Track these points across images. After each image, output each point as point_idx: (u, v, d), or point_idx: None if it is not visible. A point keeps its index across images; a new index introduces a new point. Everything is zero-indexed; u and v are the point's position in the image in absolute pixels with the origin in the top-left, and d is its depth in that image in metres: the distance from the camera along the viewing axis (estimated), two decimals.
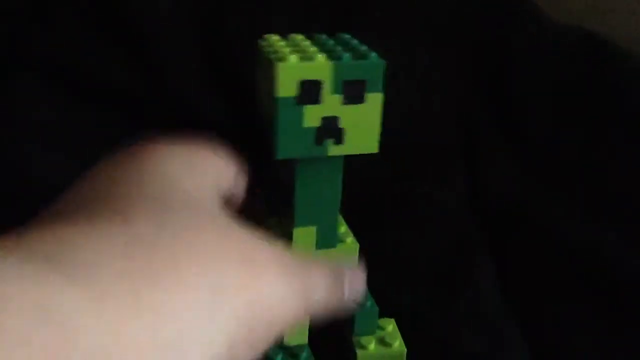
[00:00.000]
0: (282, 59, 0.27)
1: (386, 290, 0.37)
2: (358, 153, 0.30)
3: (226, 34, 0.63)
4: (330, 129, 0.29)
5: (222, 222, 0.22)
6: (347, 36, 0.32)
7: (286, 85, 0.27)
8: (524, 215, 0.51)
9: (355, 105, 0.29)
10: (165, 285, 0.18)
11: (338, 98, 0.29)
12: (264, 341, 0.21)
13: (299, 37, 0.31)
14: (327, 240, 0.33)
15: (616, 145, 0.58)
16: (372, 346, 0.34)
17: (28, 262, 0.16)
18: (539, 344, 0.39)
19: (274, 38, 0.31)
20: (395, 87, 0.64)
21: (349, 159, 0.33)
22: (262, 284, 0.21)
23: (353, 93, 0.29)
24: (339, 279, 0.26)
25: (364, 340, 0.34)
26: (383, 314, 0.35)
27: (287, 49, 0.29)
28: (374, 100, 0.30)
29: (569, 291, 0.44)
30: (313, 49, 0.28)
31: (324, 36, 0.31)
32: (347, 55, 0.28)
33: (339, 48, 0.29)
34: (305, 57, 0.28)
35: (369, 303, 0.34)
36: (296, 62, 0.27)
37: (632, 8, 0.73)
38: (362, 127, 0.30)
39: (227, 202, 0.26)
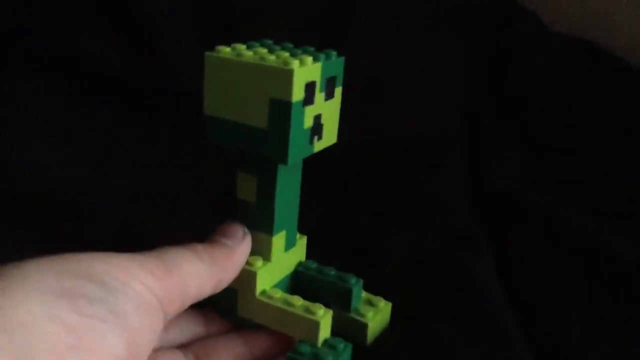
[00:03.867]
0: (286, 64, 0.29)
1: (384, 284, 0.38)
2: (327, 146, 0.33)
3: (225, 24, 0.62)
4: (317, 127, 0.32)
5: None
6: (269, 42, 0.33)
7: (298, 89, 0.29)
8: (525, 206, 0.50)
9: (329, 101, 0.32)
10: None
11: (322, 96, 0.31)
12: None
13: (242, 47, 0.31)
14: (291, 241, 0.36)
15: (618, 136, 0.58)
16: (370, 313, 0.36)
17: None
18: (539, 337, 0.38)
19: (231, 48, 0.31)
20: (398, 79, 0.65)
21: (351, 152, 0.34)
22: None
23: (330, 89, 0.32)
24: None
25: (360, 310, 0.36)
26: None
27: (276, 55, 0.30)
28: (338, 94, 0.33)
29: (570, 283, 0.43)
30: (286, 54, 0.31)
31: (268, 42, 0.33)
32: (322, 56, 0.31)
33: (299, 51, 0.32)
34: (300, 60, 0.30)
35: (353, 279, 0.36)
36: (302, 66, 0.29)
37: (628, 17, 0.73)
38: (331, 121, 0.32)
39: None
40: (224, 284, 0.31)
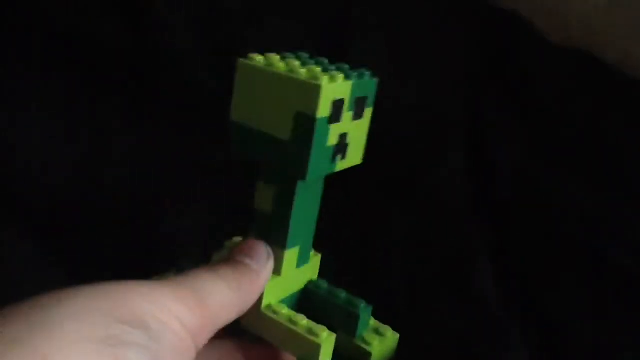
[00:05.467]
0: (315, 79, 0.29)
1: (384, 280, 0.38)
2: (350, 166, 0.32)
3: (227, 17, 0.59)
4: (342, 146, 0.31)
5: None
6: (305, 55, 0.33)
7: (324, 106, 0.29)
8: (529, 196, 0.49)
9: (357, 121, 0.31)
10: None
11: (350, 115, 0.31)
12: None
13: (276, 57, 0.31)
14: (304, 258, 0.35)
15: (623, 126, 0.56)
16: (375, 342, 0.34)
17: None
18: (539, 333, 0.39)
19: (264, 57, 0.31)
20: (399, 70, 0.63)
21: None
22: None
23: (359, 109, 0.31)
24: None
25: (366, 337, 0.35)
26: (380, 305, 0.36)
27: (307, 69, 0.30)
28: (367, 115, 0.32)
29: (573, 275, 0.43)
30: (318, 68, 0.30)
31: (304, 55, 0.32)
32: (354, 74, 0.30)
33: (333, 67, 0.31)
34: (331, 75, 0.29)
35: (362, 305, 0.34)
36: (332, 83, 0.29)
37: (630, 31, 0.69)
38: (358, 141, 0.32)
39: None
40: (246, 310, 0.31)
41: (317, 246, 0.37)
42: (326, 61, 0.33)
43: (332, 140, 0.30)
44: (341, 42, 0.61)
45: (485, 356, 0.37)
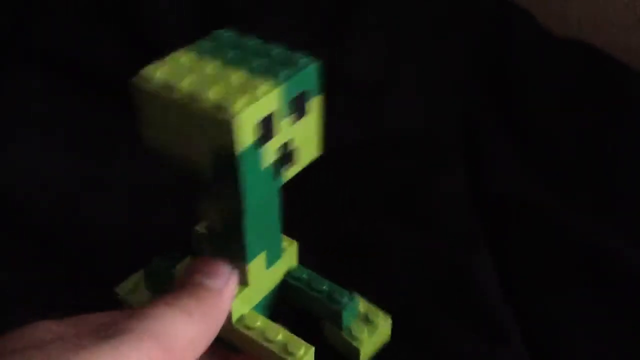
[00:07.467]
0: (223, 109, 0.22)
1: (385, 285, 0.37)
2: (306, 164, 0.27)
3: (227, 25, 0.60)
4: (285, 156, 0.25)
5: None
6: (227, 34, 0.26)
7: (245, 134, 0.23)
8: (524, 208, 0.50)
9: (301, 120, 0.25)
10: None
11: (287, 121, 0.25)
12: None
13: (188, 59, 0.25)
14: (274, 257, 0.31)
15: (616, 139, 0.56)
16: (364, 335, 0.32)
17: None
18: (537, 337, 0.39)
19: (169, 65, 0.24)
20: (397, 83, 0.62)
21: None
22: None
23: (298, 108, 0.25)
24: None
25: (354, 330, 0.32)
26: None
27: (219, 85, 0.23)
28: (315, 106, 0.26)
29: (568, 284, 0.43)
30: (237, 74, 0.23)
31: (206, 43, 0.25)
32: (284, 73, 0.23)
33: (259, 62, 0.24)
34: (249, 90, 0.23)
35: (345, 298, 0.31)
36: (250, 104, 0.22)
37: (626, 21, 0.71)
38: (307, 137, 0.26)
39: None
40: (215, 335, 0.27)
41: (315, 256, 0.34)
42: (258, 43, 0.26)
43: (269, 158, 0.25)
44: (341, 42, 0.60)
45: (485, 356, 0.36)
